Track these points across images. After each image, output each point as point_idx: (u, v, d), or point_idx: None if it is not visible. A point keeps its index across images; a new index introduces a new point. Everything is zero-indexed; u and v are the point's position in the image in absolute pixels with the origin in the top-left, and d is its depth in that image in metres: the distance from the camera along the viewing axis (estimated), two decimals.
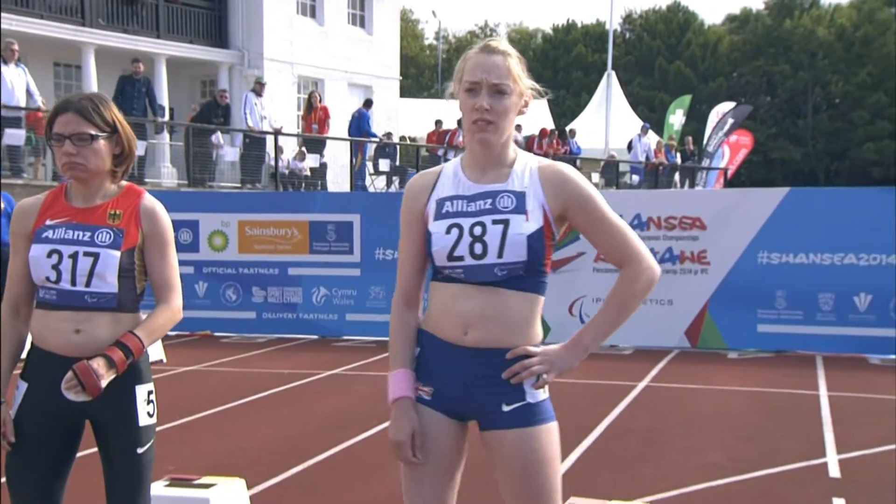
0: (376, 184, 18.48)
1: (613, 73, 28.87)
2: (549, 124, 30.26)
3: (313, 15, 25.12)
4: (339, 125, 20.21)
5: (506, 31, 61.30)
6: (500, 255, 2.39)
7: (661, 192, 12.42)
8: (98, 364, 2.65)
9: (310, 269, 11.07)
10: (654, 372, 8.83)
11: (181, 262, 10.09)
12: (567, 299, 10.49)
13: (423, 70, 51.18)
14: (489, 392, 2.44)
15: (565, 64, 51.95)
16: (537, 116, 28.91)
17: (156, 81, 20.45)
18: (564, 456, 5.39)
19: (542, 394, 2.46)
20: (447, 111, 25.21)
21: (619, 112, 27.22)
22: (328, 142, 18.23)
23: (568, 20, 55.25)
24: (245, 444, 6.08)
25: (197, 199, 12.13)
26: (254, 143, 16.68)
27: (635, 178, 22.48)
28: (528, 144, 20.68)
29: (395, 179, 18.63)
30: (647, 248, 2.50)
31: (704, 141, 27.60)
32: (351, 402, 7.53)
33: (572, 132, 21.64)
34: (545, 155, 20.29)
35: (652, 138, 23.39)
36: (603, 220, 2.47)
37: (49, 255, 2.78)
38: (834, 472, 5.33)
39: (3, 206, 10.85)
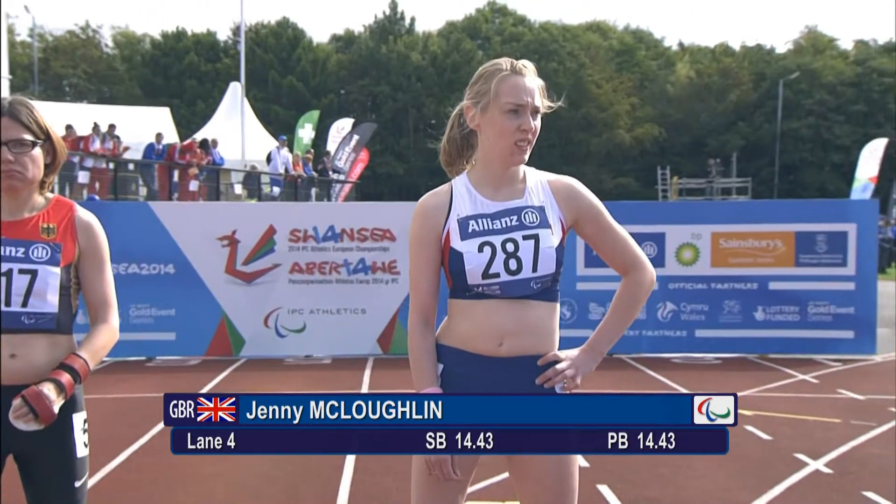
0: None
1: (240, 86, 28.72)
2: (172, 132, 29.31)
3: None
4: None
5: (110, 33, 57.88)
6: (534, 270, 2.50)
7: (354, 204, 12.88)
8: (49, 389, 2.42)
9: None
10: (366, 379, 9.20)
11: None
12: (262, 311, 10.47)
13: (14, 69, 46.42)
14: None
15: (177, 72, 50.46)
16: (159, 124, 27.85)
17: None
18: None
19: None
20: (70, 115, 23.34)
21: (249, 124, 27.24)
22: None
23: (178, 27, 53.75)
24: None
25: None
26: None
27: (276, 189, 22.70)
28: (168, 154, 19.94)
29: None
30: (644, 254, 2.72)
31: (331, 155, 28.62)
32: None
33: (214, 142, 21.27)
34: (188, 165, 19.71)
35: (285, 151, 23.80)
36: (611, 230, 2.64)
37: None
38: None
39: None
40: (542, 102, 2.57)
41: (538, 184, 2.63)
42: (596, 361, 2.64)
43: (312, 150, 26.96)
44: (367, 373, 9.50)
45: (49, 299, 2.54)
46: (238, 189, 22.12)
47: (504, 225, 2.53)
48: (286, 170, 22.76)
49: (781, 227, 10.53)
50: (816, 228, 10.48)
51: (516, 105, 2.52)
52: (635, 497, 5.19)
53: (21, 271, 2.51)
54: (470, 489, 2.71)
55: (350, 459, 6.01)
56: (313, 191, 24.07)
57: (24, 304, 2.51)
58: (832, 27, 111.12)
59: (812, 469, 5.74)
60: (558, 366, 2.55)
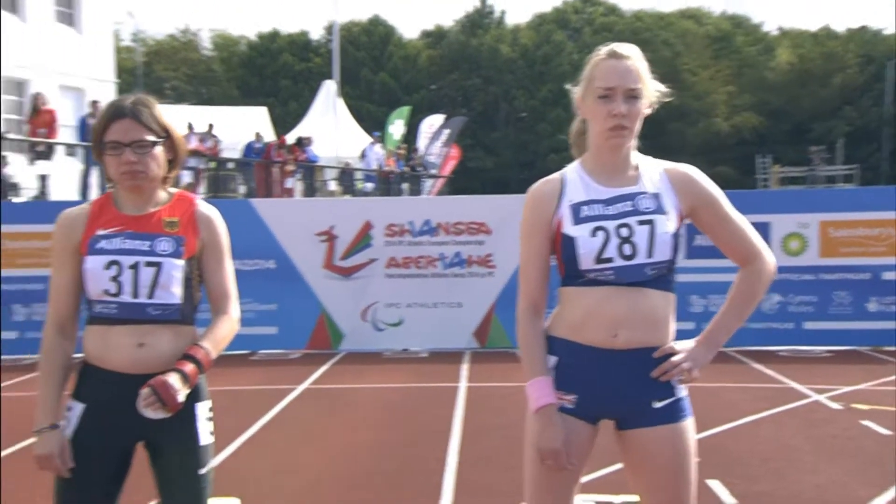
0: None
1: (334, 84, 29.16)
2: (270, 131, 29.95)
3: (14, 10, 22.80)
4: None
5: (209, 35, 59.57)
6: (649, 255, 2.45)
7: (449, 198, 12.89)
8: (174, 379, 2.49)
9: None
10: (464, 373, 9.20)
11: None
12: (360, 306, 10.58)
13: (119, 73, 48.29)
14: (640, 391, 2.50)
15: (272, 72, 51.66)
16: (257, 123, 28.49)
17: None
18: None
19: (685, 389, 2.55)
20: (172, 117, 24.08)
21: (343, 121, 27.64)
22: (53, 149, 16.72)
23: (272, 28, 55.03)
24: None
25: None
26: None
27: (369, 185, 22.98)
28: (266, 151, 20.38)
29: None
30: (765, 244, 2.63)
31: (422, 151, 28.81)
32: None
33: (309, 140, 21.67)
34: (284, 162, 20.11)
35: (378, 147, 24.13)
36: (728, 219, 2.57)
37: (107, 266, 2.58)
38: None
39: None
40: (643, 86, 2.50)
41: (654, 171, 2.58)
42: (712, 353, 2.57)
43: (405, 146, 27.18)
44: (465, 366, 9.50)
45: (173, 291, 2.60)
46: (332, 185, 22.49)
47: (618, 210, 2.50)
48: (379, 166, 23.02)
49: (894, 214, 10.06)
50: None
51: (606, 89, 2.47)
52: (746, 492, 5.03)
53: (147, 264, 2.58)
54: (583, 479, 2.66)
55: (454, 451, 6.01)
56: (405, 186, 24.28)
57: (151, 296, 2.58)
58: None
59: None
60: (674, 358, 2.51)
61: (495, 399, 7.80)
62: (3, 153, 16.53)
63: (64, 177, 17.35)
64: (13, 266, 10.17)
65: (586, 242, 2.46)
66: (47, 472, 2.59)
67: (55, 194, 16.70)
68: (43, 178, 16.34)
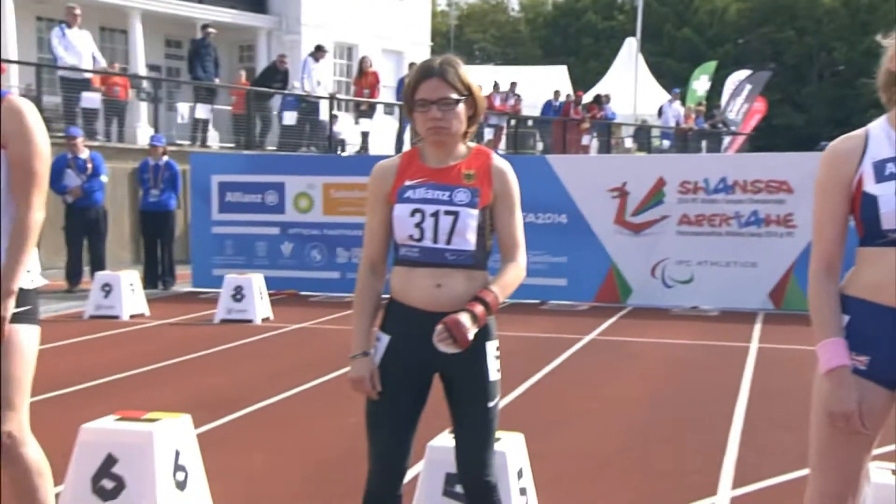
0: None
1: (635, 41, 28.79)
2: (568, 90, 30.27)
3: None
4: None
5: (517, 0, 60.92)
6: None
7: (747, 155, 12.59)
8: (465, 318, 2.70)
9: None
10: (756, 333, 9.03)
11: (267, 223, 10.42)
12: (650, 262, 10.66)
13: (433, 37, 51.00)
14: None
15: (575, 31, 51.91)
16: (557, 82, 28.92)
17: None
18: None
19: None
20: (479, 77, 25.23)
21: (642, 78, 27.29)
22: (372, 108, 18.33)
23: None
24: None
25: (283, 162, 12.38)
26: (309, 108, 16.79)
27: (665, 142, 22.64)
28: (563, 109, 20.74)
29: None
30: None
31: (723, 107, 27.72)
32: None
33: (607, 98, 21.75)
34: (581, 120, 20.35)
35: (676, 104, 23.61)
36: None
37: (412, 213, 2.84)
38: None
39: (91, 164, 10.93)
40: None
41: None
42: None
43: (704, 103, 26.35)
44: (757, 327, 9.29)
45: (468, 238, 2.84)
46: (628, 143, 22.41)
47: None
48: (677, 123, 22.57)
49: None
50: None
51: None
52: None
53: (446, 212, 2.84)
54: (879, 451, 2.63)
55: (740, 410, 6.01)
56: (703, 143, 23.60)
57: (449, 242, 2.84)
58: None
59: None
60: None
61: (788, 361, 7.61)
62: (334, 112, 18.37)
63: (382, 133, 18.94)
64: (336, 213, 11.45)
65: (889, 201, 2.35)
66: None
67: (374, 149, 18.29)
68: (364, 134, 17.94)
